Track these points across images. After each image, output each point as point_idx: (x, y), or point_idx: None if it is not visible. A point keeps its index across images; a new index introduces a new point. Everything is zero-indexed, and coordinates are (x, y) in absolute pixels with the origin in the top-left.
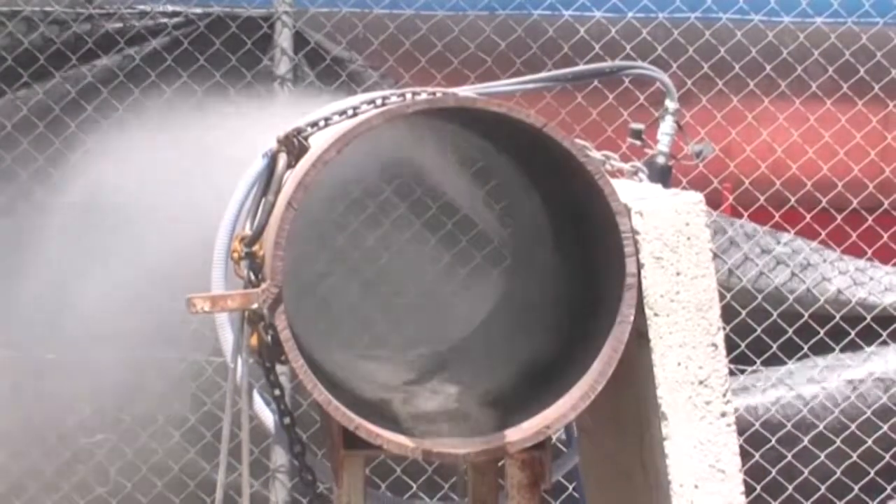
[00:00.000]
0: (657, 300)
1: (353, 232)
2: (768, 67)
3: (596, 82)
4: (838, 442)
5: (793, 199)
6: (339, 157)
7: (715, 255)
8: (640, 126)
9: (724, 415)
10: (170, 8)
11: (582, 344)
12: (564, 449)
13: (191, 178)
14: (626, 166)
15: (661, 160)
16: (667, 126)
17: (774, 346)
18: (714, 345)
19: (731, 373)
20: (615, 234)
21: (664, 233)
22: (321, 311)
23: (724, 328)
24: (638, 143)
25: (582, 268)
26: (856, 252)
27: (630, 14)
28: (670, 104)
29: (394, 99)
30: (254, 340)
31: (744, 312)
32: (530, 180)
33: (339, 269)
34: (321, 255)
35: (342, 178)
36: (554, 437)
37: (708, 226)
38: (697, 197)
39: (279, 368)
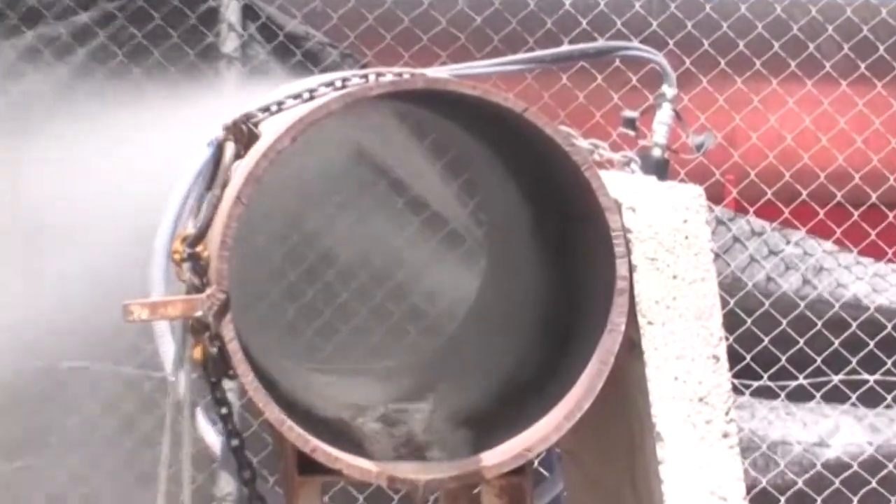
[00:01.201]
0: (651, 307)
1: (311, 230)
2: (776, 45)
3: (583, 63)
4: None
5: (804, 193)
6: (294, 147)
7: (716, 257)
8: (633, 114)
9: (726, 435)
10: None
11: (566, 356)
12: (547, 474)
13: (127, 171)
14: (617, 156)
15: (656, 152)
16: (663, 115)
17: (783, 359)
18: (715, 357)
19: (735, 388)
20: (604, 233)
21: (659, 231)
22: (274, 320)
23: (727, 338)
24: (631, 133)
25: (567, 271)
26: (875, 252)
27: None
28: (668, 90)
29: (355, 80)
30: (197, 353)
31: (749, 321)
32: (509, 172)
33: (295, 272)
34: (274, 255)
35: (298, 169)
36: (535, 461)
37: (708, 223)
38: (697, 191)
39: (226, 384)
